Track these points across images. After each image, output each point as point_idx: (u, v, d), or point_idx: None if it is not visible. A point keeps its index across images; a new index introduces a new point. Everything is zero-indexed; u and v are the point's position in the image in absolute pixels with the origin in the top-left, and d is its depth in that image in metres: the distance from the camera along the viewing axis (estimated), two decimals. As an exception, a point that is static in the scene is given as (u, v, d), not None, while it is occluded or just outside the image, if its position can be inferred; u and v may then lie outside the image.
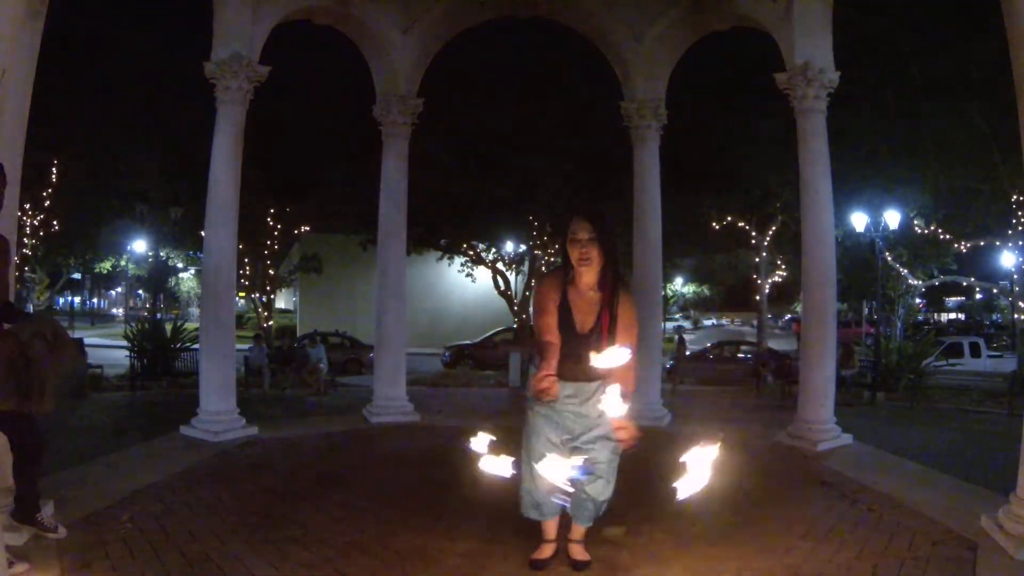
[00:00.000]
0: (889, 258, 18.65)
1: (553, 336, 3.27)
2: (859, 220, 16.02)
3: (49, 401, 3.20)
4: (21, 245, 19.24)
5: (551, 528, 3.62)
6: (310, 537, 4.06)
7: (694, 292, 54.73)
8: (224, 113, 7.15)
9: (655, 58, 8.44)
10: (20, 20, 4.02)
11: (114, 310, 53.46)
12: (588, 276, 3.33)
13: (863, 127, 14.84)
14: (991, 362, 20.08)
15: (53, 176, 19.97)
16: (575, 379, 3.37)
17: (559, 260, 3.55)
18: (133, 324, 17.04)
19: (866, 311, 32.39)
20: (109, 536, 3.95)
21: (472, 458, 3.17)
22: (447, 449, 6.76)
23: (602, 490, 3.48)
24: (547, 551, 3.62)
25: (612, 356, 3.07)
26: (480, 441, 3.17)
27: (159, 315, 21.51)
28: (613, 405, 3.09)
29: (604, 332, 3.31)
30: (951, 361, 16.56)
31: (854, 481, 5.49)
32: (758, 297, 23.89)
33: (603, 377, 3.27)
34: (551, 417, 3.44)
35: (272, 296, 24.48)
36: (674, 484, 3.02)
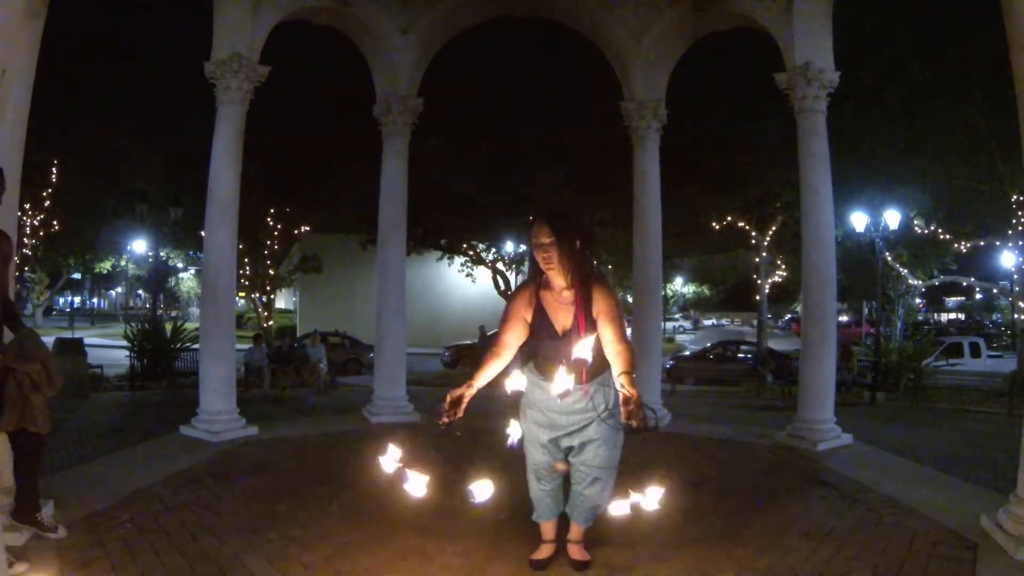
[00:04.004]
0: (889, 258, 18.65)
1: (500, 350, 3.34)
2: (859, 220, 16.02)
3: (46, 422, 3.62)
4: (21, 245, 19.22)
5: (550, 529, 3.63)
6: (310, 537, 4.06)
7: (694, 292, 54.72)
8: (224, 113, 7.15)
9: (655, 58, 8.43)
10: (20, 20, 4.02)
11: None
12: (557, 278, 3.31)
13: (863, 127, 14.83)
14: (991, 362, 20.06)
15: (53, 176, 19.97)
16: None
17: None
18: (132, 324, 17.00)
19: (866, 311, 32.40)
20: (109, 536, 3.95)
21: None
22: (447, 449, 6.77)
23: (600, 492, 3.46)
24: (546, 551, 3.62)
25: (579, 348, 2.98)
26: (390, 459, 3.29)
27: (161, 314, 21.46)
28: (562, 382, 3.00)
29: (581, 332, 3.23)
30: (951, 361, 16.58)
31: (854, 481, 5.49)
32: (758, 297, 23.90)
33: (591, 376, 3.28)
34: (540, 420, 3.45)
35: (272, 296, 24.47)
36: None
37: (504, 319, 3.42)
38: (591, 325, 3.25)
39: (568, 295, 3.32)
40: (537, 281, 3.41)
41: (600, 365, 3.28)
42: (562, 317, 3.33)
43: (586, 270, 3.30)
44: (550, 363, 3.31)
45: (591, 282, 3.29)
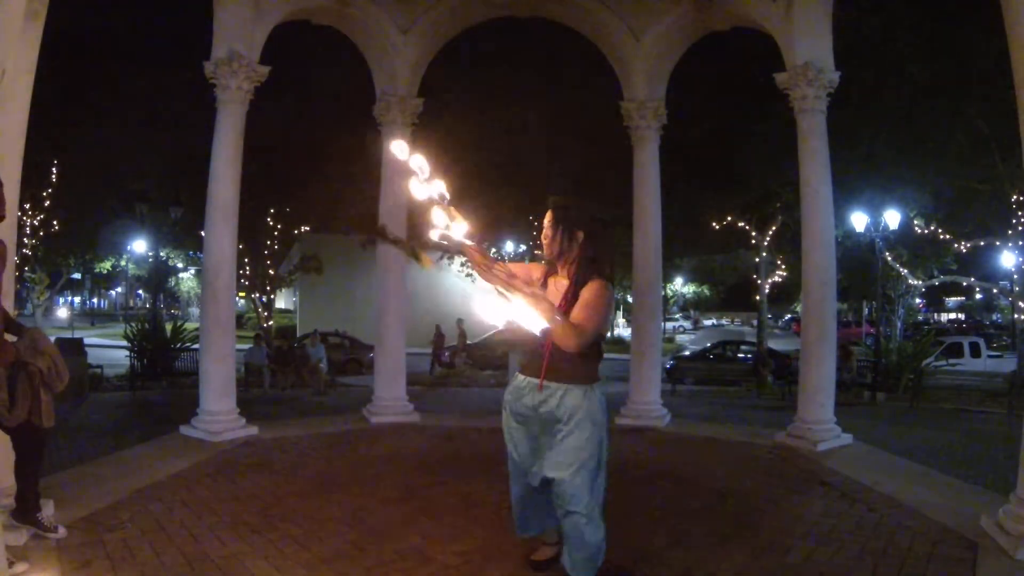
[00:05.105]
0: (889, 258, 18.65)
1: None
2: (859, 220, 16.04)
3: (51, 416, 3.64)
4: (21, 245, 19.23)
5: (551, 531, 3.60)
6: (310, 537, 4.06)
7: (694, 292, 54.73)
8: (224, 113, 7.14)
9: (655, 58, 8.43)
10: (20, 20, 4.02)
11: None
12: (561, 263, 3.24)
13: (863, 127, 14.84)
14: (991, 362, 20.04)
15: (53, 176, 19.96)
16: (532, 374, 3.23)
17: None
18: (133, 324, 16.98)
19: (866, 311, 32.41)
20: (109, 536, 3.96)
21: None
22: (447, 449, 6.78)
23: (580, 532, 3.05)
24: (547, 552, 3.60)
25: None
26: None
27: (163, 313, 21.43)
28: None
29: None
30: (951, 361, 16.57)
31: (854, 481, 5.49)
32: (758, 297, 23.90)
33: (558, 375, 3.12)
34: (515, 423, 3.31)
35: (272, 296, 24.47)
36: None
37: (518, 267, 3.33)
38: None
39: (566, 283, 3.23)
40: (552, 266, 3.34)
41: (576, 370, 3.13)
42: (555, 298, 3.19)
43: (587, 265, 3.16)
44: (530, 351, 3.24)
45: (587, 278, 3.14)
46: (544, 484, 3.19)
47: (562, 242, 3.20)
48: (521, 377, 3.29)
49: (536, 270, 3.37)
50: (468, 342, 21.82)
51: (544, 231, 3.30)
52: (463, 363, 18.73)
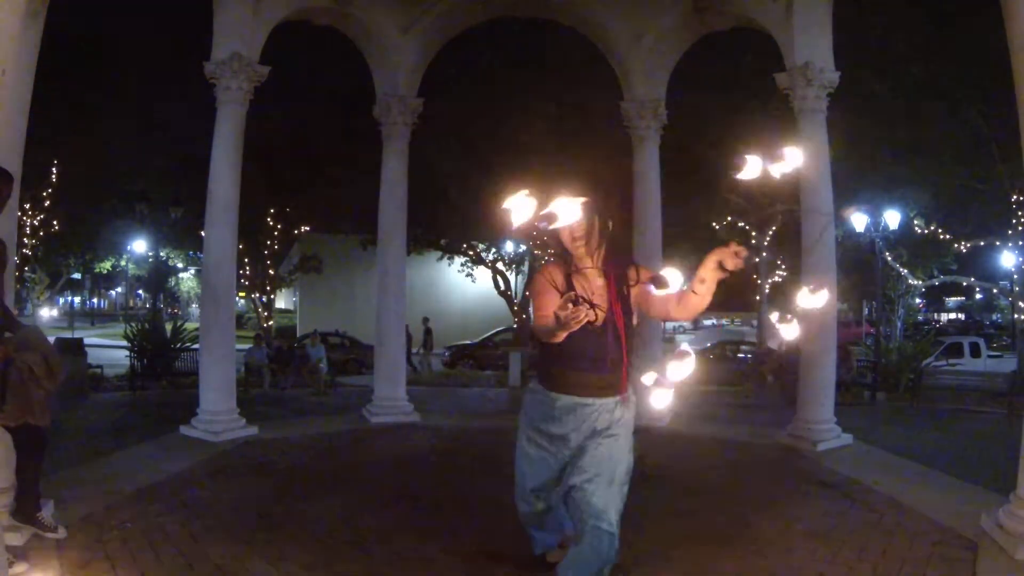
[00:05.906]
0: (889, 258, 18.65)
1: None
2: (859, 220, 16.03)
3: (47, 415, 3.63)
4: (21, 245, 19.23)
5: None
6: (310, 537, 4.06)
7: (694, 292, 54.69)
8: (224, 113, 7.15)
9: (655, 58, 8.44)
10: (20, 20, 4.02)
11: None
12: (586, 260, 2.97)
13: (863, 127, 14.83)
14: (991, 362, 20.03)
15: (53, 176, 19.96)
16: (577, 392, 2.97)
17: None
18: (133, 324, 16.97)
19: (866, 311, 32.39)
20: (109, 536, 3.95)
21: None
22: (447, 449, 6.78)
23: (602, 546, 2.83)
24: (559, 555, 3.37)
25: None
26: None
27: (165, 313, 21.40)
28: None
29: (620, 324, 2.87)
30: (951, 361, 16.56)
31: (854, 481, 5.49)
32: (758, 297, 23.89)
33: (618, 391, 2.97)
34: (547, 446, 3.08)
35: (272, 296, 24.48)
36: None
37: (542, 290, 2.91)
38: (628, 312, 2.93)
39: (602, 282, 2.96)
40: (566, 267, 3.00)
41: (620, 380, 3.00)
42: (598, 300, 2.89)
43: (624, 252, 2.94)
44: (568, 365, 2.92)
45: (630, 265, 2.96)
46: (562, 494, 3.05)
47: (600, 232, 2.95)
48: (554, 395, 3.01)
49: (555, 276, 2.97)
50: (467, 343, 21.83)
51: (572, 231, 2.91)
52: (422, 369, 18.64)
